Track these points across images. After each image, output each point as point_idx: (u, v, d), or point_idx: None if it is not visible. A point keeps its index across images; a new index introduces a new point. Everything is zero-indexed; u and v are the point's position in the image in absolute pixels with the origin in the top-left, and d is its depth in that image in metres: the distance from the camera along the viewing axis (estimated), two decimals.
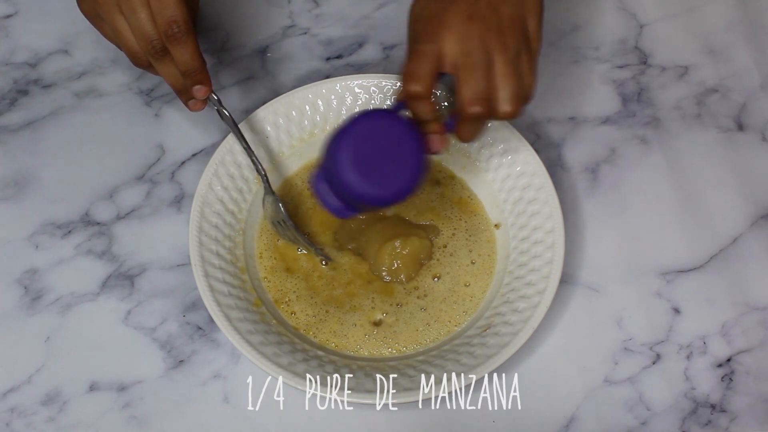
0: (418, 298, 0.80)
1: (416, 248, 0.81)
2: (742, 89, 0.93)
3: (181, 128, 0.89)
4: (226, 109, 0.78)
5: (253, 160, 0.79)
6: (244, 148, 0.79)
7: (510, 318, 0.76)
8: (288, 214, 0.80)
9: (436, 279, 0.81)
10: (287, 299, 0.80)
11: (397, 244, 0.80)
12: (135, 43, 0.72)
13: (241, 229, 0.81)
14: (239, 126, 0.80)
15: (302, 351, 0.75)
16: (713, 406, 0.78)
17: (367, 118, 0.68)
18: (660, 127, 0.90)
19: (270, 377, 0.73)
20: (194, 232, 0.78)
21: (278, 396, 0.77)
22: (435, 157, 0.86)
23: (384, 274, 0.80)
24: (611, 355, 0.79)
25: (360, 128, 0.67)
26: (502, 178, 0.83)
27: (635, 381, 0.78)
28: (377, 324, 0.79)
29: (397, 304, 0.79)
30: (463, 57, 0.66)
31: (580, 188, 0.87)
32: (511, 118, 0.66)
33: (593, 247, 0.84)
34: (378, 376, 0.74)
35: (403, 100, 0.68)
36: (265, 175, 0.80)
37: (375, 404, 0.73)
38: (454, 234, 0.83)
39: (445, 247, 0.82)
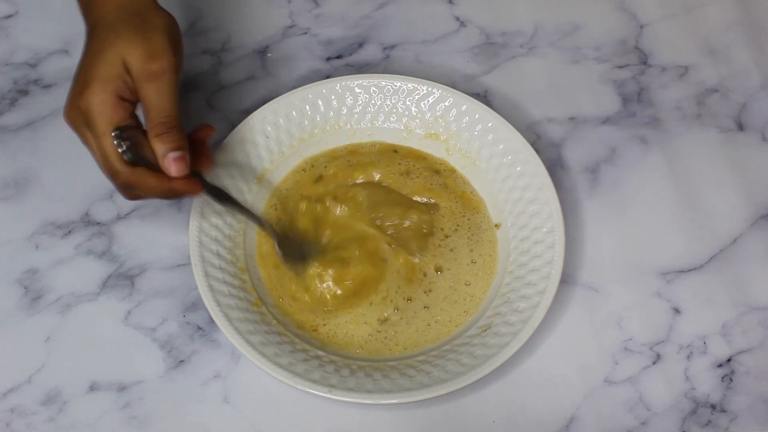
0: (424, 293, 0.80)
1: (418, 222, 0.82)
2: (742, 89, 0.93)
3: None
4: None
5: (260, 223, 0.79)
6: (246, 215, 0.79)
7: (510, 318, 0.76)
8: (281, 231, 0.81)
9: (439, 272, 0.81)
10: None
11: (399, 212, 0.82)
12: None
13: (241, 229, 0.81)
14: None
15: (302, 351, 0.75)
16: (713, 406, 0.78)
17: None
18: (660, 127, 0.90)
19: (270, 377, 0.73)
20: (194, 232, 0.78)
21: (278, 396, 0.77)
22: (436, 152, 0.86)
23: (393, 236, 0.81)
24: (611, 355, 0.79)
25: None
26: (502, 178, 0.83)
27: (635, 381, 0.78)
28: (381, 321, 0.79)
29: (409, 299, 0.79)
30: None
31: (580, 188, 0.87)
32: None
33: (593, 247, 0.84)
34: (378, 376, 0.74)
35: None
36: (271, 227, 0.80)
37: (375, 404, 0.73)
38: (456, 229, 0.82)
39: (447, 237, 0.82)
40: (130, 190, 0.71)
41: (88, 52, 0.70)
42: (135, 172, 0.69)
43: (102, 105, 0.68)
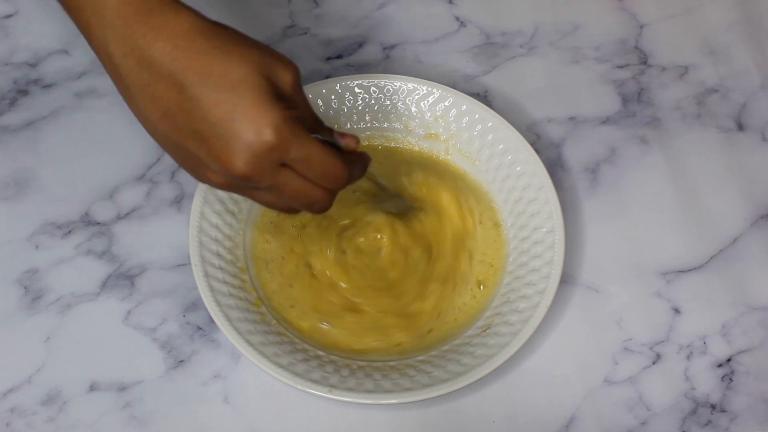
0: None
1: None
2: (742, 89, 0.93)
3: None
4: None
5: None
6: None
7: (510, 318, 0.76)
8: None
9: None
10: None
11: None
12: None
13: (241, 229, 0.81)
14: None
15: (302, 351, 0.75)
16: (713, 406, 0.78)
17: None
18: (660, 127, 0.90)
19: (270, 377, 0.73)
20: (194, 232, 0.78)
21: (278, 396, 0.77)
22: (436, 152, 0.86)
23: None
24: (611, 355, 0.79)
25: None
26: (502, 178, 0.83)
27: (635, 381, 0.78)
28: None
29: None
30: None
31: (580, 188, 0.87)
32: None
33: (593, 247, 0.84)
34: (378, 375, 0.74)
35: None
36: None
37: (375, 404, 0.73)
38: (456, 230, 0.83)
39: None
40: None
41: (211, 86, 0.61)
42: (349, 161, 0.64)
43: (291, 122, 0.60)
